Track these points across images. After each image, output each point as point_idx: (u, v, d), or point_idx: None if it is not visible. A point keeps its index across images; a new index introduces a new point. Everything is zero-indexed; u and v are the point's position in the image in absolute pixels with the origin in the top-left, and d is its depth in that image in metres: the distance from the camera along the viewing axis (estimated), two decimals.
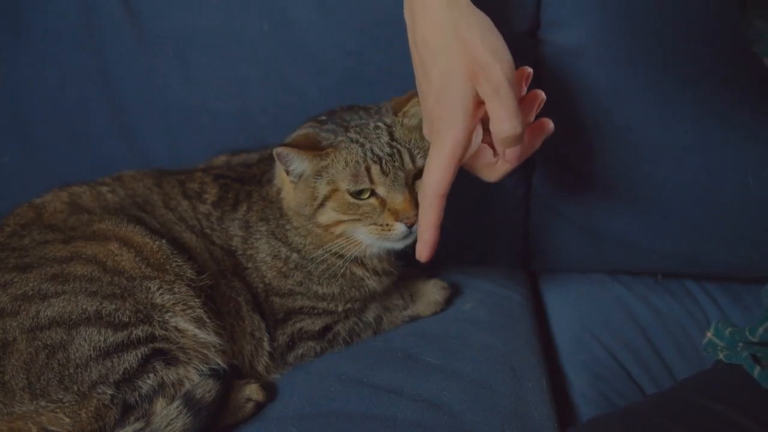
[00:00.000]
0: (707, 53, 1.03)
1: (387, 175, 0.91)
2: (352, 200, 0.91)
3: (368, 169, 0.90)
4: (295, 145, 0.90)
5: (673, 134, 1.09)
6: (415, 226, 0.92)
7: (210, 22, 1.11)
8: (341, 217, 0.93)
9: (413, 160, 0.92)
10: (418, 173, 0.93)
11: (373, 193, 0.92)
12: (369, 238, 0.94)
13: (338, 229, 0.94)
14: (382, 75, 1.09)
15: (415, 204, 0.92)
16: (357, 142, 0.91)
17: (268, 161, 1.06)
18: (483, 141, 0.88)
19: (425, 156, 0.93)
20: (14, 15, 1.14)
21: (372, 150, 0.90)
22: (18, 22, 1.15)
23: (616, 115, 1.09)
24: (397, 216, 0.91)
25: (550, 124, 0.88)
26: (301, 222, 0.97)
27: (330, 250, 0.96)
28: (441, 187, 0.81)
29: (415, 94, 0.94)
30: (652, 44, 1.04)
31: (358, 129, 0.93)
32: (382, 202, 0.92)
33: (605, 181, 1.15)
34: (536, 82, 1.12)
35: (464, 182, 1.04)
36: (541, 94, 0.85)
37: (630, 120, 1.09)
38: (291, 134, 1.02)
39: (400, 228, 0.92)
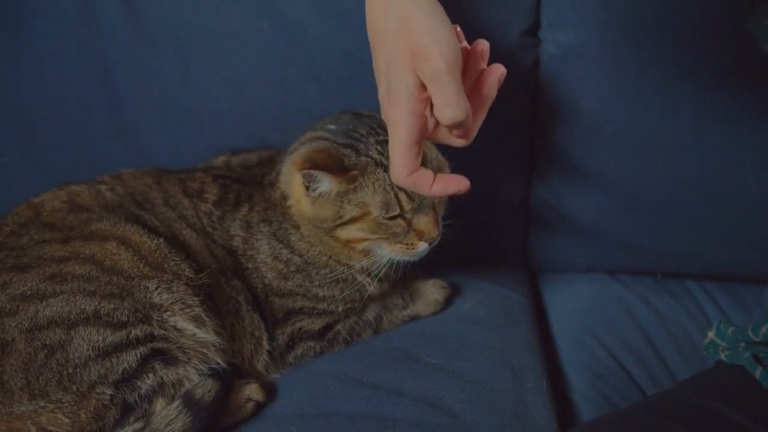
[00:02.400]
0: (707, 53, 1.03)
1: (413, 201, 0.91)
2: (382, 222, 0.92)
3: (396, 196, 0.91)
4: (325, 168, 0.88)
5: (673, 134, 1.09)
6: (435, 242, 0.94)
7: (210, 22, 1.11)
8: (367, 236, 0.93)
9: None
10: None
11: (399, 215, 0.92)
12: (392, 255, 0.95)
13: (360, 246, 0.95)
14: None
15: (438, 223, 0.94)
16: (382, 165, 0.91)
17: (269, 163, 1.06)
18: None
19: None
20: (14, 15, 1.14)
21: None
22: (18, 22, 1.14)
23: (616, 115, 1.09)
24: (421, 236, 0.93)
25: (501, 69, 0.85)
26: (313, 232, 0.97)
27: (347, 263, 0.97)
28: (407, 171, 0.83)
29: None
30: (652, 44, 1.04)
31: (379, 148, 0.92)
32: (408, 223, 0.93)
33: (605, 181, 1.15)
34: (536, 82, 1.13)
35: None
36: (501, 68, 0.85)
37: (630, 120, 1.09)
38: (297, 140, 1.01)
39: (423, 246, 0.94)
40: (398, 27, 0.77)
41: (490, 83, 0.84)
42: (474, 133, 0.86)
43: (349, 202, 0.91)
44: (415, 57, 0.76)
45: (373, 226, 0.92)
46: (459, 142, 0.86)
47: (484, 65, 0.86)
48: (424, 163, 0.91)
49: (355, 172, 0.90)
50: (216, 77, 1.14)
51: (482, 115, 0.86)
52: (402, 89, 0.78)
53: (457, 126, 0.79)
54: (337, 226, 0.93)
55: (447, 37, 0.77)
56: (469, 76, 0.83)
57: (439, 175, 0.85)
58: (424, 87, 0.78)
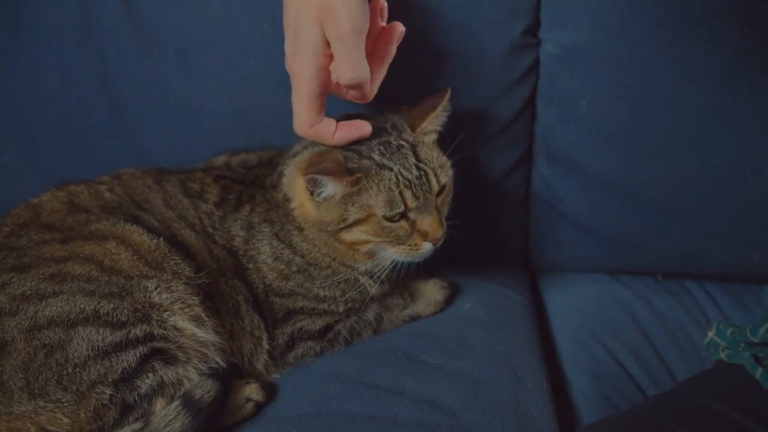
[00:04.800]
0: (707, 53, 1.03)
1: (418, 199, 0.92)
2: (386, 224, 0.92)
3: (401, 194, 0.91)
4: (329, 172, 0.89)
5: (673, 134, 1.09)
6: (439, 243, 0.94)
7: (210, 22, 1.11)
8: (371, 238, 0.93)
9: (438, 180, 0.93)
10: (441, 190, 0.95)
11: (403, 216, 0.92)
12: (396, 256, 0.96)
13: (365, 248, 0.95)
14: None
15: (442, 223, 0.94)
16: (385, 166, 0.91)
17: (269, 164, 1.06)
18: None
19: (446, 174, 0.94)
20: (14, 15, 1.14)
21: (402, 174, 0.91)
22: (18, 22, 1.14)
23: (616, 115, 1.09)
24: (425, 237, 0.93)
25: (399, 27, 0.89)
26: (317, 235, 0.97)
27: (351, 265, 0.98)
28: (308, 124, 0.87)
29: (431, 110, 0.95)
30: (652, 44, 1.04)
31: (381, 149, 0.92)
32: (412, 224, 0.93)
33: (605, 181, 1.15)
34: (536, 82, 1.13)
35: (465, 182, 1.04)
36: (399, 26, 0.89)
37: (630, 120, 1.09)
38: (299, 143, 1.01)
39: (427, 247, 0.94)
40: None
41: (390, 42, 0.87)
42: (373, 93, 0.90)
43: (353, 205, 0.91)
44: (324, 15, 0.79)
45: (377, 229, 0.92)
46: (355, 100, 0.89)
47: (383, 23, 0.88)
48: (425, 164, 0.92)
49: (359, 175, 0.90)
50: (216, 77, 1.14)
51: (381, 74, 0.90)
52: (308, 43, 0.81)
53: (355, 87, 0.84)
54: (342, 228, 0.93)
55: (358, 1, 0.80)
56: (369, 35, 0.85)
57: (340, 123, 0.89)
58: (329, 44, 0.81)
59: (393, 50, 0.89)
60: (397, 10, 1.03)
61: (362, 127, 0.91)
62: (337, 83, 0.89)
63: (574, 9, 1.05)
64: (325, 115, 0.90)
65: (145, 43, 1.13)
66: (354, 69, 0.81)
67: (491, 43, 1.08)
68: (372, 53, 0.86)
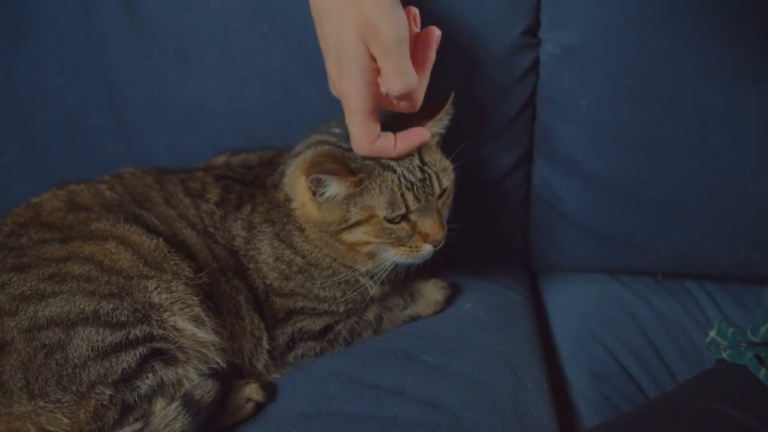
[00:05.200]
0: (707, 53, 1.03)
1: (419, 201, 0.91)
2: (387, 225, 0.92)
3: (403, 196, 0.90)
4: (333, 172, 0.88)
5: (673, 134, 1.09)
6: (440, 245, 0.94)
7: (210, 22, 1.11)
8: (372, 239, 0.93)
9: (440, 183, 0.93)
10: (442, 193, 0.95)
11: (404, 218, 0.92)
12: (396, 258, 0.96)
13: (365, 249, 0.95)
14: None
15: (443, 226, 0.94)
16: (388, 167, 0.91)
17: (270, 164, 1.06)
18: None
19: (448, 176, 0.94)
20: (14, 15, 1.14)
21: (404, 176, 0.90)
22: (18, 22, 1.14)
23: (615, 115, 1.09)
24: (426, 239, 0.93)
25: (436, 32, 0.89)
26: (318, 235, 0.97)
27: (352, 266, 0.97)
28: (370, 140, 0.86)
29: (435, 113, 0.95)
30: (651, 44, 1.04)
31: None
32: (413, 226, 0.93)
33: (605, 181, 1.15)
34: (536, 82, 1.12)
35: (465, 182, 1.04)
36: (436, 31, 0.88)
37: (630, 120, 1.09)
38: (301, 143, 1.01)
39: (427, 249, 0.94)
40: (348, 2, 0.79)
41: (429, 47, 0.86)
42: (420, 100, 0.89)
43: (355, 205, 0.91)
44: (366, 31, 0.79)
45: (378, 230, 0.92)
46: (406, 110, 0.89)
47: (416, 29, 0.88)
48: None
49: (363, 175, 0.90)
50: (216, 77, 1.14)
51: (426, 81, 0.89)
52: (354, 62, 0.81)
53: (406, 96, 0.83)
54: (343, 229, 0.93)
55: (396, 11, 0.79)
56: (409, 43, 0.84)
57: (399, 134, 0.88)
58: (374, 59, 0.80)
59: (433, 55, 0.88)
60: None
61: (421, 134, 0.90)
62: (386, 96, 0.87)
63: (574, 9, 1.05)
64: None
65: (145, 43, 1.13)
66: (404, 78, 0.81)
67: (491, 43, 1.08)
68: (413, 61, 0.84)
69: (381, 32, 0.78)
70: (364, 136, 0.85)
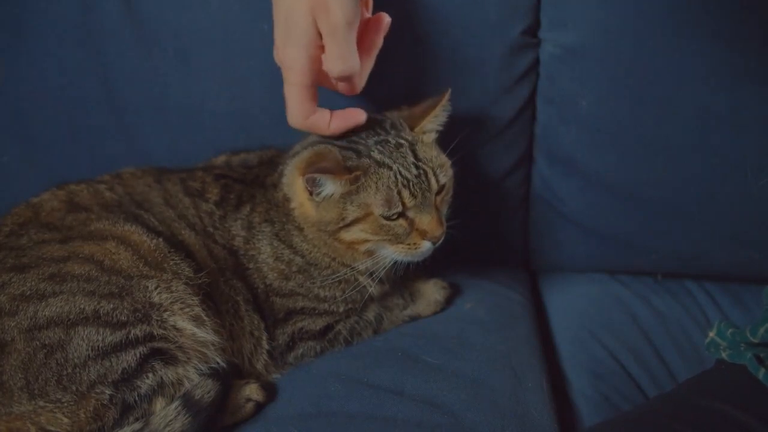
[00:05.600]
0: (707, 53, 1.03)
1: (416, 198, 0.91)
2: (384, 222, 0.92)
3: (399, 193, 0.90)
4: (328, 171, 0.88)
5: (673, 134, 1.09)
6: (439, 241, 0.94)
7: (210, 22, 1.11)
8: (370, 237, 0.93)
9: (437, 180, 0.93)
10: (440, 189, 0.94)
11: (401, 215, 0.92)
12: (395, 255, 0.95)
13: (363, 247, 0.95)
14: (381, 75, 1.09)
15: (441, 222, 0.94)
16: (384, 165, 0.91)
17: (270, 164, 1.06)
18: None
19: (446, 173, 0.94)
20: (14, 14, 1.14)
21: (400, 173, 0.90)
22: (18, 22, 1.14)
23: (615, 115, 1.09)
24: (424, 235, 0.93)
25: (386, 18, 0.90)
26: (317, 235, 0.97)
27: (350, 265, 0.97)
28: (304, 116, 0.87)
29: (431, 109, 0.95)
30: (651, 44, 1.04)
31: (380, 148, 0.92)
32: (411, 223, 0.93)
33: (605, 180, 1.15)
34: (536, 82, 1.13)
35: (464, 182, 1.04)
36: (386, 17, 0.89)
37: (630, 120, 1.09)
38: (300, 143, 1.01)
39: (426, 246, 0.94)
40: None
41: (377, 33, 0.88)
42: (361, 85, 0.91)
43: (351, 203, 0.91)
44: (317, 7, 0.80)
45: (375, 227, 0.92)
46: (345, 92, 0.90)
47: (368, 14, 0.89)
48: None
49: (358, 173, 0.90)
50: (216, 77, 1.14)
51: (369, 65, 0.90)
52: (301, 35, 0.82)
53: (345, 79, 0.85)
54: (341, 228, 0.93)
55: None
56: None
57: (335, 112, 0.89)
58: (321, 36, 0.82)
59: (380, 41, 0.90)
60: (397, 11, 1.03)
61: (357, 115, 0.91)
62: (326, 74, 0.88)
63: (574, 9, 1.05)
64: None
65: (145, 43, 1.13)
66: (345, 61, 0.82)
67: (491, 43, 1.08)
68: (359, 45, 0.86)
69: (331, 12, 0.79)
70: (299, 110, 0.87)
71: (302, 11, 0.81)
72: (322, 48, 0.84)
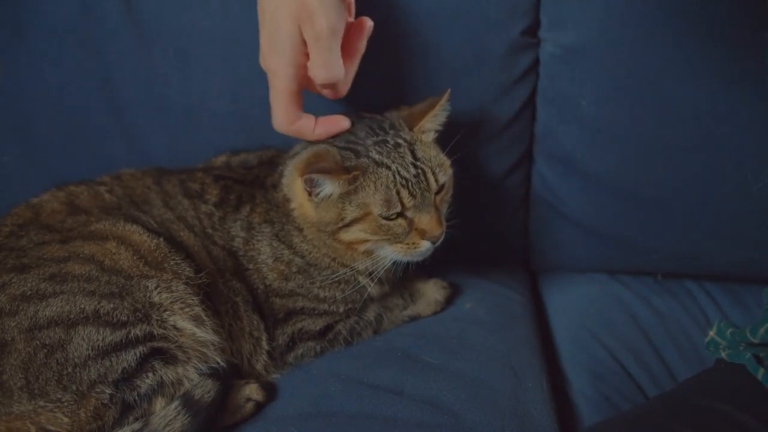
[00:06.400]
0: (707, 53, 1.03)
1: (415, 198, 0.91)
2: (383, 222, 0.92)
3: (398, 193, 0.90)
4: (326, 171, 0.88)
5: (673, 134, 1.09)
6: (439, 241, 0.94)
7: (210, 22, 1.11)
8: (369, 237, 0.93)
9: (436, 179, 0.93)
10: (440, 189, 0.94)
11: (400, 215, 0.92)
12: (394, 255, 0.95)
13: (363, 247, 0.95)
14: (381, 75, 1.09)
15: (441, 222, 0.94)
16: (383, 164, 0.91)
17: (270, 164, 1.06)
18: None
19: (445, 172, 0.94)
20: (14, 15, 1.14)
21: (399, 173, 0.90)
22: (18, 22, 1.14)
23: (615, 115, 1.09)
24: (423, 235, 0.93)
25: (368, 23, 0.91)
26: (316, 235, 0.97)
27: (349, 265, 0.97)
28: (289, 121, 0.88)
29: (430, 108, 0.95)
30: (651, 44, 1.04)
31: (378, 148, 0.92)
32: (410, 222, 0.93)
33: (605, 181, 1.15)
34: (536, 82, 1.13)
35: (464, 182, 1.04)
36: (368, 21, 0.90)
37: (630, 120, 1.09)
38: (299, 144, 1.01)
39: (426, 245, 0.94)
40: None
41: (360, 38, 0.89)
42: (345, 90, 0.91)
43: (350, 203, 0.91)
44: (301, 14, 0.80)
45: (374, 227, 0.92)
46: (329, 97, 0.91)
47: (350, 19, 0.89)
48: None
49: (357, 173, 0.90)
50: (216, 77, 1.14)
51: (353, 71, 0.91)
52: (285, 42, 0.82)
53: (329, 86, 0.86)
54: (340, 228, 0.93)
55: (335, 2, 0.81)
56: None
57: (319, 119, 0.90)
58: (305, 43, 0.82)
59: (363, 46, 0.91)
60: (397, 11, 1.03)
61: (340, 122, 0.93)
62: (311, 79, 0.89)
63: (574, 9, 1.05)
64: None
65: (145, 43, 1.13)
66: (329, 70, 0.83)
67: (491, 43, 1.08)
68: (342, 50, 0.87)
69: (316, 20, 0.80)
70: (285, 116, 0.88)
71: (286, 18, 0.82)
72: (306, 55, 0.85)
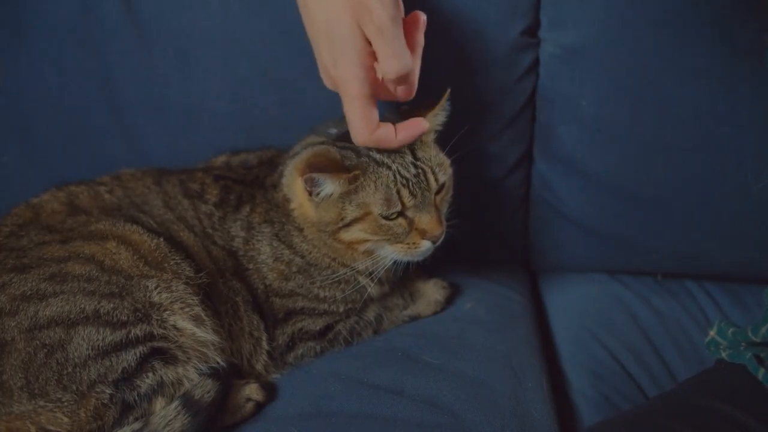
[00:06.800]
0: (707, 53, 1.03)
1: (415, 197, 0.91)
2: (383, 222, 0.92)
3: (398, 192, 0.90)
4: (326, 170, 0.88)
5: (673, 134, 1.09)
6: (439, 241, 0.94)
7: (210, 22, 1.11)
8: (369, 237, 0.93)
9: (436, 179, 0.93)
10: (440, 188, 0.94)
11: (401, 214, 0.92)
12: (394, 255, 0.95)
13: (363, 247, 0.95)
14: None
15: (441, 222, 0.93)
16: (383, 164, 0.91)
17: (270, 164, 1.06)
18: None
19: (445, 172, 0.94)
20: (14, 15, 1.14)
21: (399, 172, 0.90)
22: (18, 22, 1.15)
23: (616, 115, 1.09)
24: (424, 235, 0.93)
25: (422, 16, 0.86)
26: (317, 235, 0.97)
27: (350, 265, 0.97)
28: (370, 130, 0.82)
29: (429, 109, 0.95)
30: (652, 44, 1.04)
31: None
32: (410, 222, 0.93)
33: (605, 181, 1.15)
34: (536, 82, 1.13)
35: (465, 182, 1.04)
36: (422, 15, 0.86)
37: (630, 120, 1.09)
38: (299, 144, 1.01)
39: (426, 245, 0.94)
40: None
41: (417, 30, 0.84)
42: (416, 85, 0.86)
43: (350, 203, 0.91)
44: (358, 11, 0.77)
45: (374, 227, 0.92)
46: (403, 97, 0.86)
47: (402, 15, 0.84)
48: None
49: (357, 172, 0.90)
50: (216, 77, 1.14)
51: (418, 65, 0.86)
52: (348, 44, 0.78)
53: (403, 79, 0.80)
54: (340, 228, 0.93)
55: None
56: None
57: (399, 124, 0.85)
58: (368, 42, 0.78)
59: (422, 39, 0.86)
60: None
61: (422, 124, 0.87)
62: (382, 84, 0.85)
63: (574, 9, 1.05)
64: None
65: (145, 43, 1.13)
66: (400, 59, 0.78)
67: (491, 43, 1.08)
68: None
69: (374, 12, 0.76)
70: (365, 124, 0.82)
71: (344, 19, 0.78)
72: (372, 55, 0.80)
